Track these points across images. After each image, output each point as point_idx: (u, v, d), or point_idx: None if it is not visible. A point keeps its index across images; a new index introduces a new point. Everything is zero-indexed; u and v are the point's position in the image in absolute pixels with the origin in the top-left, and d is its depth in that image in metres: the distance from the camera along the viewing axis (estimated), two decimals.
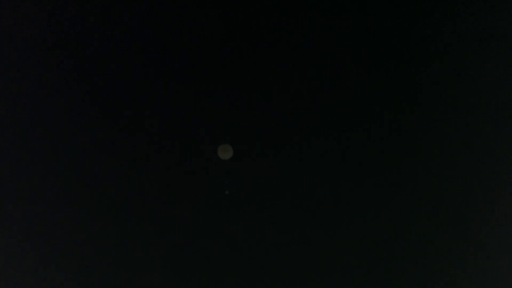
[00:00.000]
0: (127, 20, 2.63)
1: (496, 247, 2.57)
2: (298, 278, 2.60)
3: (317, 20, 2.65)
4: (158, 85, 2.60)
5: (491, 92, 2.63)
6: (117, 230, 2.59)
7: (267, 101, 2.58)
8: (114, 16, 2.61)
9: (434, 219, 2.60)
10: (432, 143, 2.62)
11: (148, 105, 2.60)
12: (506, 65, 2.62)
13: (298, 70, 2.63)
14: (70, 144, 2.61)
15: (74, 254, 2.59)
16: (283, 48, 2.62)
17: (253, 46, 2.59)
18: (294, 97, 2.64)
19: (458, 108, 2.63)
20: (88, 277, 2.59)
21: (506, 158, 2.60)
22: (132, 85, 2.64)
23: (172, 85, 2.62)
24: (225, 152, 2.49)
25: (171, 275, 2.60)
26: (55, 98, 2.63)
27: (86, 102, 2.62)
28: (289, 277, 2.61)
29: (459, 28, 2.64)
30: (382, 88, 2.63)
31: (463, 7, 2.63)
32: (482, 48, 2.63)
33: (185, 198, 2.62)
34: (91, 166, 2.62)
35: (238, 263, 2.61)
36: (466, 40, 2.64)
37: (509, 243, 2.56)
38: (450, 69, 2.64)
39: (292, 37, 2.62)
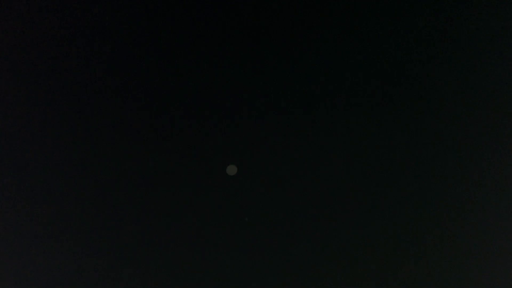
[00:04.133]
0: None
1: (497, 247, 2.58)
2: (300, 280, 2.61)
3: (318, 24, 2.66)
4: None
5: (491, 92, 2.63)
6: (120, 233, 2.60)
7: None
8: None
9: (436, 220, 2.61)
10: (434, 143, 2.63)
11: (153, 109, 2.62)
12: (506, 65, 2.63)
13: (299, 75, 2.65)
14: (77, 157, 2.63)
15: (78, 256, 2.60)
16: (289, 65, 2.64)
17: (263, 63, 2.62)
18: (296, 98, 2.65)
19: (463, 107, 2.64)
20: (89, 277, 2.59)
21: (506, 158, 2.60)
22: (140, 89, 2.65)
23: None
24: (231, 168, 2.59)
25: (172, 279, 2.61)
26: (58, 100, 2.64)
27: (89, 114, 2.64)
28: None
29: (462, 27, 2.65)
30: (382, 89, 2.64)
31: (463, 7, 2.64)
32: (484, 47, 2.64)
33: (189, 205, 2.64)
34: (92, 172, 2.63)
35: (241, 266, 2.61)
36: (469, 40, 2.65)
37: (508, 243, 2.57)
38: (453, 68, 2.65)
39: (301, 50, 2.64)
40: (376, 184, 2.61)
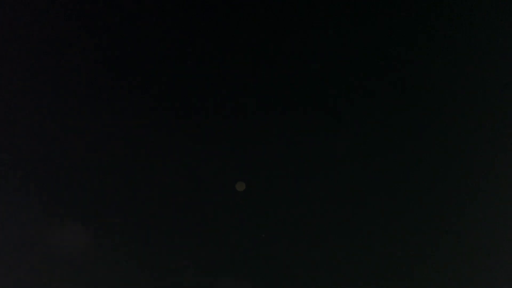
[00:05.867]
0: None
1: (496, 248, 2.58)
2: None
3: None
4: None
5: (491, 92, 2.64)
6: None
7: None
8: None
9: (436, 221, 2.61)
10: (433, 144, 2.63)
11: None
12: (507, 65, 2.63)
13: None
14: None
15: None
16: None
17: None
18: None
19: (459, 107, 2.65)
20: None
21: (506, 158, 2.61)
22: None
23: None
24: (239, 185, 2.60)
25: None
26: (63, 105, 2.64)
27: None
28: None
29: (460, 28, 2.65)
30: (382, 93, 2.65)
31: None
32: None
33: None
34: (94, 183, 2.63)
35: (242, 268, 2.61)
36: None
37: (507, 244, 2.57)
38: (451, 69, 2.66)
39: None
40: (387, 195, 2.61)
